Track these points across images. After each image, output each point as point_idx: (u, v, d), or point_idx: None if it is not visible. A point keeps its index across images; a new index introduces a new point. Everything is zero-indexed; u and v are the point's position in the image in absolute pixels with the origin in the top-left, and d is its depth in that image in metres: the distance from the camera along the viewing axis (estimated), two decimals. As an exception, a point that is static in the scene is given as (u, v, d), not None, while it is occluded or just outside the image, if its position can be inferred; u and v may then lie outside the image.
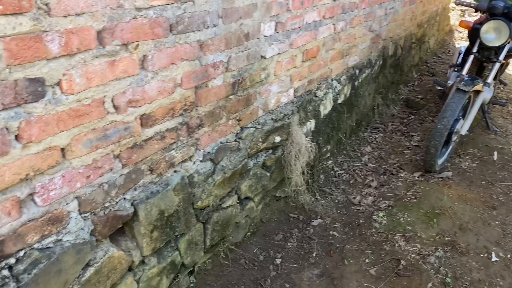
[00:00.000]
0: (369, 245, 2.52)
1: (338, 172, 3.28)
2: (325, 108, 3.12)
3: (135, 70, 1.46)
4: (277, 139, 2.51)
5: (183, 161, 1.80)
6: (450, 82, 3.58)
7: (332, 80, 3.13)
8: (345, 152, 3.55)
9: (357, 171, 3.34)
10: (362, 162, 3.49)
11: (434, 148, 2.99)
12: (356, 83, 3.61)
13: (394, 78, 4.78)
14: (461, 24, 3.33)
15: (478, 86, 3.02)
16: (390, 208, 2.83)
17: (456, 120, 3.15)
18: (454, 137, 3.19)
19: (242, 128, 2.18)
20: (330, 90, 3.13)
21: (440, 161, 3.21)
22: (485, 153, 3.55)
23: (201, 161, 1.91)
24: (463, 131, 3.20)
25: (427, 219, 2.67)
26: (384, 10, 3.81)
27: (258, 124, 2.30)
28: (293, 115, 2.64)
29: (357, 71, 3.56)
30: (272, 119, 2.42)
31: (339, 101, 3.34)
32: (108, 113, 1.41)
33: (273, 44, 2.22)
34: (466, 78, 3.02)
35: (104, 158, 1.44)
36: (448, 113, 2.92)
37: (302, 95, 2.74)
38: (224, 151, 2.05)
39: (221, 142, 2.02)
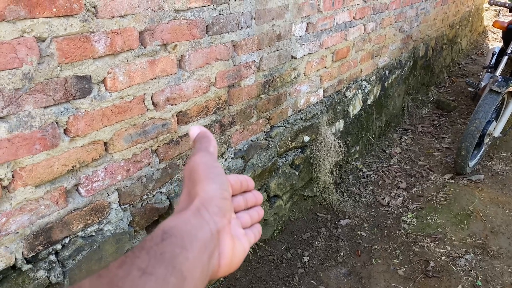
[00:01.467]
0: (398, 245, 2.52)
1: (367, 173, 3.28)
2: (354, 108, 3.13)
3: (173, 69, 1.52)
4: (306, 138, 2.54)
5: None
6: (482, 84, 3.52)
7: (361, 80, 3.14)
8: (373, 153, 3.55)
9: (385, 172, 3.33)
10: (391, 163, 3.47)
11: (466, 150, 2.95)
12: (385, 84, 3.60)
13: (425, 79, 4.73)
14: (495, 24, 3.27)
15: (512, 87, 2.97)
16: (419, 209, 2.81)
17: (489, 122, 3.10)
18: (487, 139, 3.13)
19: (272, 127, 2.22)
20: (360, 91, 3.14)
21: (471, 164, 3.17)
22: (519, 156, 3.47)
23: (232, 158, 1.96)
24: (496, 133, 3.14)
25: (457, 221, 2.64)
26: (415, 11, 3.78)
27: (288, 123, 2.33)
28: (322, 115, 2.67)
29: (387, 72, 3.55)
30: (301, 118, 2.46)
31: (369, 102, 3.34)
32: (147, 109, 1.48)
33: (304, 44, 2.26)
34: (500, 79, 2.97)
35: (143, 153, 1.52)
36: (481, 114, 2.88)
37: (332, 95, 2.76)
38: (254, 149, 2.10)
39: (251, 140, 2.07)
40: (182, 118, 1.64)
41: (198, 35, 1.58)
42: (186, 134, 1.68)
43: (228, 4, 1.68)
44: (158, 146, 1.57)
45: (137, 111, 1.45)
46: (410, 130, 4.07)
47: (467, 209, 2.74)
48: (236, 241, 0.42)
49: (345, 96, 2.93)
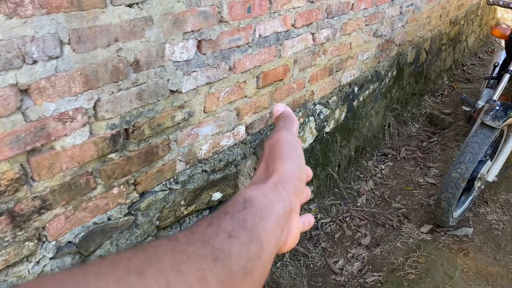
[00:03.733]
0: None
1: (322, 221, 2.56)
2: (304, 141, 2.40)
3: None
4: (217, 195, 1.84)
5: (9, 267, 1.17)
6: (480, 104, 2.75)
7: (314, 104, 2.40)
8: (336, 190, 2.82)
9: (347, 219, 2.60)
10: (358, 205, 2.75)
11: (446, 203, 2.21)
12: (354, 102, 2.85)
13: (416, 88, 3.95)
14: (494, 31, 2.47)
15: (513, 119, 2.20)
16: (378, 285, 2.10)
17: (481, 162, 2.34)
18: (478, 184, 2.38)
19: (143, 194, 1.52)
20: (311, 118, 2.41)
21: (457, 213, 2.42)
22: (522, 199, 2.71)
23: (52, 258, 1.27)
24: (491, 177, 2.38)
25: (426, 310, 1.93)
26: (398, 8, 3.00)
27: (176, 183, 1.63)
28: (245, 160, 1.95)
29: (355, 89, 2.80)
30: (204, 171, 1.75)
31: (327, 129, 2.60)
32: None
33: (195, 71, 1.54)
34: (497, 108, 2.20)
35: None
36: (467, 157, 2.12)
37: (262, 131, 2.04)
38: (103, 234, 1.40)
39: (95, 223, 1.38)
40: None
41: None
42: None
43: (-4, 24, 0.97)
44: None
45: None
46: (390, 156, 3.32)
47: (442, 290, 2.02)
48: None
49: (287, 128, 2.20)
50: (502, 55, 3.11)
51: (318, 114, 2.46)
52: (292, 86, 2.15)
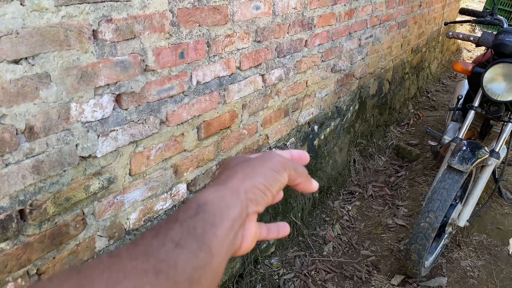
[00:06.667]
0: None
1: (285, 277, 2.31)
2: (259, 190, 2.17)
3: None
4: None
5: None
6: (446, 138, 2.60)
7: (269, 149, 2.19)
8: (300, 239, 2.59)
9: (312, 272, 2.36)
10: (324, 254, 2.51)
11: (417, 255, 2.01)
12: (315, 142, 2.66)
13: (381, 120, 3.82)
14: (456, 66, 2.34)
15: (481, 159, 2.04)
16: None
17: (451, 206, 2.17)
18: (449, 229, 2.20)
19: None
20: (267, 164, 2.18)
21: (428, 262, 2.23)
22: (496, 240, 2.55)
23: None
24: (462, 222, 2.21)
25: None
26: (357, 41, 2.87)
27: (97, 264, 1.36)
28: (188, 222, 1.70)
29: (315, 127, 2.61)
30: (135, 243, 1.48)
31: (286, 174, 2.38)
32: None
33: (114, 130, 1.29)
34: (464, 149, 2.04)
35: None
36: (436, 204, 1.94)
37: (208, 187, 1.80)
38: None
39: (-20, 333, 1.09)
40: None
41: None
42: None
43: None
44: None
45: None
46: (357, 194, 3.13)
47: None
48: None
49: (238, 180, 1.97)
50: (465, 86, 3.02)
51: (274, 160, 2.24)
52: (242, 133, 1.93)
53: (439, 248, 2.31)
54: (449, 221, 2.15)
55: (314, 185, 0.46)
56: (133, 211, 1.45)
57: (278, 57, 2.03)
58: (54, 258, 1.22)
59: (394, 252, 2.51)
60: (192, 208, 0.35)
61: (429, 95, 5.15)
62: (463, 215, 2.19)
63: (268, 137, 2.15)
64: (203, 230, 0.33)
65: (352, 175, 3.28)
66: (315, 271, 2.37)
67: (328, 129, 2.79)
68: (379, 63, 3.44)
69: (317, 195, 2.81)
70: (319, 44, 2.38)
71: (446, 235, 2.24)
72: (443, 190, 1.94)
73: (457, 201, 2.20)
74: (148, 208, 1.52)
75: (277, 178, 0.41)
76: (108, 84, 1.24)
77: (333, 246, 2.59)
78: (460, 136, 2.19)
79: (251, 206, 0.38)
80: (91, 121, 1.22)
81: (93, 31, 1.16)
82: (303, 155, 0.50)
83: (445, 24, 2.42)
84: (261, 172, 0.40)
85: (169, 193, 1.60)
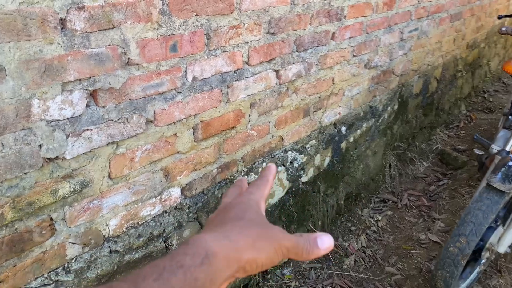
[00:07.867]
0: None
1: (296, 291, 2.13)
2: (271, 196, 2.00)
3: None
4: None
5: None
6: (494, 148, 2.28)
7: (285, 151, 2.01)
8: (318, 249, 2.38)
9: (328, 287, 2.17)
10: (344, 267, 2.30)
11: (443, 282, 1.75)
12: (342, 144, 2.43)
13: (425, 122, 3.48)
14: (507, 67, 2.01)
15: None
16: None
17: (490, 228, 1.88)
18: (486, 254, 1.91)
19: (12, 293, 1.16)
20: (281, 168, 2.00)
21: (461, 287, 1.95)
22: (546, 269, 2.20)
23: None
24: (502, 248, 1.90)
25: None
26: (398, 35, 2.58)
27: (67, 273, 1.26)
28: (180, 230, 1.57)
29: (343, 128, 2.38)
30: (115, 251, 1.37)
31: (304, 179, 2.19)
32: None
33: (87, 130, 1.17)
34: (510, 164, 1.74)
35: None
36: (469, 228, 1.66)
37: (206, 192, 1.65)
38: None
39: None
40: None
41: None
42: None
43: None
44: None
45: None
46: (390, 203, 2.86)
47: None
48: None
49: (244, 184, 1.81)
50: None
51: (290, 162, 2.06)
52: (249, 134, 1.76)
53: (474, 273, 2.03)
54: (487, 245, 1.86)
55: (321, 250, 0.43)
56: (113, 216, 1.34)
57: (297, 51, 1.83)
58: (14, 266, 1.13)
59: (423, 272, 2.25)
60: (200, 255, 0.34)
61: (485, 95, 4.67)
62: (504, 240, 1.89)
63: (282, 138, 1.96)
64: (203, 284, 0.34)
65: (386, 181, 3.01)
66: (331, 286, 2.17)
67: (359, 131, 2.54)
68: (426, 59, 3.11)
69: (342, 202, 2.59)
70: (350, 37, 2.14)
71: (483, 260, 1.96)
72: (479, 212, 1.66)
73: (498, 223, 1.90)
74: (132, 214, 1.40)
75: (275, 262, 0.41)
76: (79, 79, 1.12)
77: (355, 259, 2.36)
78: (507, 149, 1.89)
79: (240, 273, 0.38)
80: (59, 120, 1.10)
81: (61, 19, 1.04)
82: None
83: (499, 17, 2.09)
84: (267, 250, 0.40)
85: (158, 197, 1.47)
